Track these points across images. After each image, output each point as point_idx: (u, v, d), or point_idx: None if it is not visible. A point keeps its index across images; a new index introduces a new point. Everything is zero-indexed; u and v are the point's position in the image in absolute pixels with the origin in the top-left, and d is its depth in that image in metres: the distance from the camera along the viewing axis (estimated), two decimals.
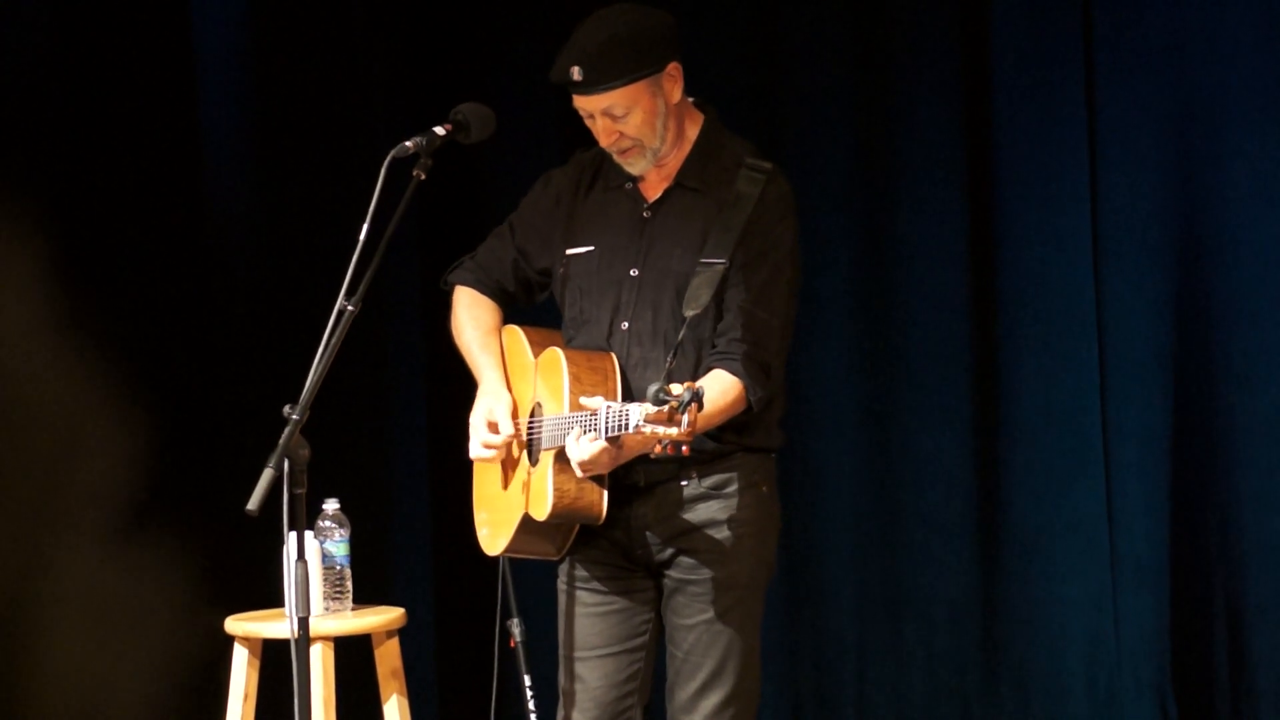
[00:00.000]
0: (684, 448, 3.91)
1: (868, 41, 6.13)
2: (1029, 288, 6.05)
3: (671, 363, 4.17)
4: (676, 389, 3.88)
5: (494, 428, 4.31)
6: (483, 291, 4.48)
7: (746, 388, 4.18)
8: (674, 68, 4.24)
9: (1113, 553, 6.00)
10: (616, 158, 4.30)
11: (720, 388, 4.13)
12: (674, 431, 3.87)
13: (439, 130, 4.24)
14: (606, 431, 4.03)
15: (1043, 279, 6.03)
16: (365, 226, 4.07)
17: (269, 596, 5.26)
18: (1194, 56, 5.89)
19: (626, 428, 3.98)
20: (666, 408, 3.86)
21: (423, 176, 4.18)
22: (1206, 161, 5.90)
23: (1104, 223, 5.99)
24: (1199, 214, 5.92)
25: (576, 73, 4.17)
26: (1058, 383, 6.03)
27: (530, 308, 4.55)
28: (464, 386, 4.55)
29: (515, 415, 4.34)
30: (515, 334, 4.44)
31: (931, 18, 6.08)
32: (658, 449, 3.93)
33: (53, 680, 5.80)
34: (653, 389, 3.87)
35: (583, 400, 4.10)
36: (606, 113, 4.22)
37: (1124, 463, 5.99)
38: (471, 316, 4.46)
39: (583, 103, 4.24)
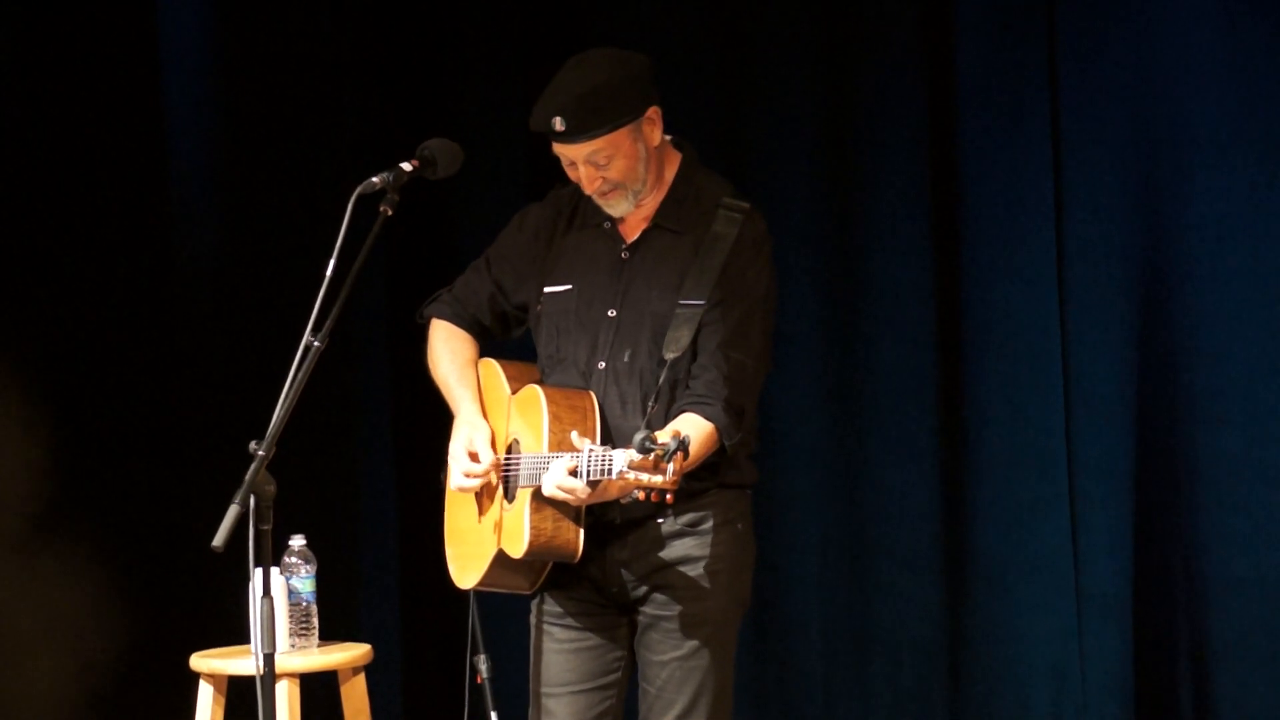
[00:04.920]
0: (668, 495, 3.93)
1: (834, 77, 6.15)
2: (994, 324, 6.05)
3: (653, 407, 4.19)
4: (662, 437, 3.89)
5: (475, 457, 4.31)
6: (459, 325, 4.48)
7: (721, 432, 4.18)
8: (654, 111, 4.26)
9: (1077, 588, 5.99)
10: (598, 199, 4.30)
11: (696, 433, 4.12)
12: (658, 480, 3.89)
13: (406, 166, 4.26)
14: (588, 475, 4.03)
15: (1008, 315, 6.04)
16: (332, 262, 4.08)
17: (234, 633, 5.23)
18: (1159, 91, 5.91)
19: (609, 473, 3.98)
20: (651, 455, 3.87)
21: (389, 212, 4.19)
22: (1171, 196, 5.91)
23: (1069, 258, 5.99)
24: (1164, 249, 5.93)
25: (559, 123, 4.18)
26: (1023, 418, 6.03)
27: (507, 342, 4.54)
28: (432, 422, 4.56)
29: (493, 448, 4.33)
30: (492, 368, 4.44)
31: (897, 54, 6.09)
32: (640, 495, 3.94)
33: None
34: (639, 436, 3.88)
35: (573, 438, 4.09)
36: (589, 160, 4.23)
37: (1089, 499, 5.99)
38: (448, 349, 4.46)
39: (565, 151, 4.25)
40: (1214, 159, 5.85)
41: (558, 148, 4.26)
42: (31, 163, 5.96)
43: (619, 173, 4.24)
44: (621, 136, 4.22)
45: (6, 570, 5.84)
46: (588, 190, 4.28)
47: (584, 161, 4.24)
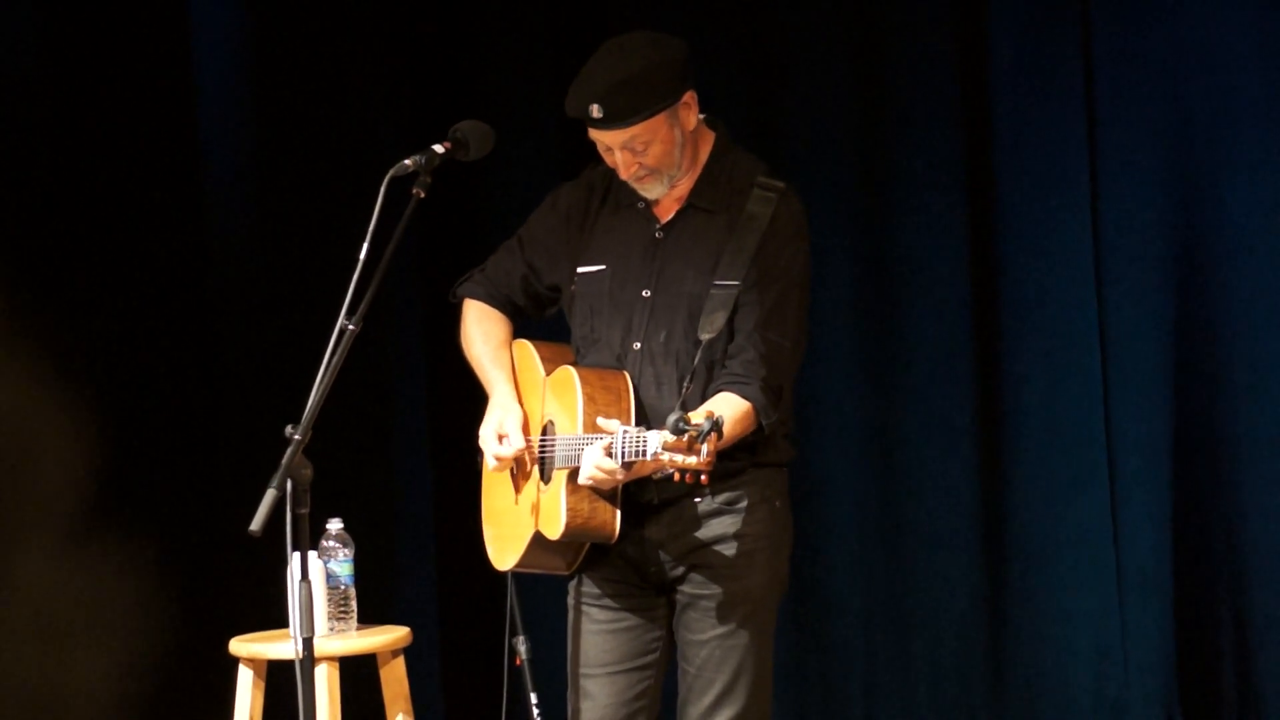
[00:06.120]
0: (703, 476, 3.92)
1: (867, 55, 6.13)
2: (1031, 301, 6.04)
3: (688, 388, 4.18)
4: (696, 418, 3.89)
5: (504, 440, 4.31)
6: (492, 305, 4.48)
7: (759, 411, 4.18)
8: (690, 96, 4.25)
9: (1118, 565, 5.98)
10: (632, 184, 4.29)
11: (733, 412, 4.12)
12: (693, 460, 3.88)
13: (438, 148, 4.24)
14: (623, 457, 4.03)
15: (1045, 292, 6.02)
16: (365, 245, 4.07)
17: (273, 617, 5.24)
18: (1194, 69, 5.88)
19: (644, 454, 3.98)
20: (685, 437, 3.86)
21: (422, 195, 4.19)
22: (1207, 173, 5.89)
23: (1105, 235, 5.97)
24: (1200, 225, 5.91)
25: (596, 109, 4.16)
26: (1061, 395, 6.01)
27: (540, 321, 4.54)
28: (468, 404, 4.54)
29: (526, 430, 4.33)
30: (526, 348, 4.43)
31: (931, 34, 6.07)
32: (675, 476, 3.94)
33: (2, 689, 5.80)
34: (672, 418, 3.87)
35: (600, 422, 4.09)
36: (627, 146, 4.22)
37: (1128, 475, 5.97)
38: (482, 330, 4.46)
39: (602, 137, 4.24)
40: (1251, 134, 5.83)
41: (594, 133, 4.25)
42: (63, 160, 5.94)
43: (656, 159, 4.23)
44: (659, 122, 4.21)
45: (51, 557, 5.84)
46: (624, 176, 4.27)
47: (621, 148, 4.23)
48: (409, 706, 5.18)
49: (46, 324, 5.88)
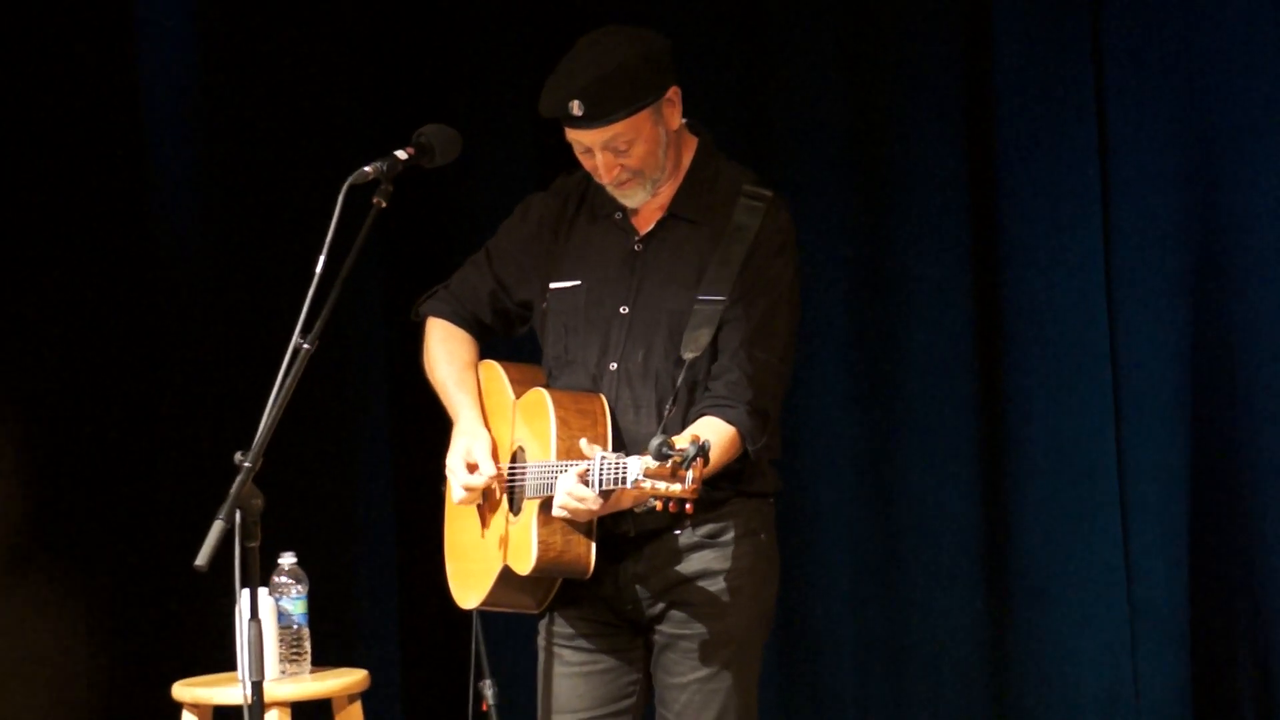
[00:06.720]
0: (687, 505, 3.82)
1: (866, 57, 6.09)
2: (1038, 318, 5.98)
3: (670, 411, 4.10)
4: (680, 442, 3.79)
5: (474, 469, 4.20)
6: (457, 323, 4.40)
7: (744, 437, 4.08)
8: (673, 92, 4.19)
9: (1130, 601, 5.92)
10: (612, 190, 4.20)
11: (718, 438, 4.01)
12: (677, 488, 3.79)
13: (400, 154, 4.21)
14: (600, 485, 3.93)
15: (1052, 308, 5.95)
16: (322, 258, 4.01)
17: (220, 659, 5.17)
18: (1209, 73, 5.82)
19: (623, 482, 3.88)
20: (669, 462, 3.77)
21: (383, 204, 4.13)
22: (1225, 181, 5.82)
23: (1116, 248, 5.91)
24: (1216, 237, 5.84)
25: (576, 107, 4.08)
26: (1069, 419, 5.94)
27: (509, 341, 4.45)
28: (432, 429, 4.50)
29: (495, 457, 4.23)
30: (494, 370, 4.33)
31: (932, 34, 6.03)
32: (658, 505, 3.83)
33: None
34: (655, 442, 3.78)
35: (582, 445, 3.99)
36: (608, 146, 4.13)
37: (1141, 504, 5.91)
38: (446, 350, 4.36)
39: (581, 137, 4.15)
40: (1270, 140, 5.74)
41: (572, 134, 4.16)
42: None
43: (638, 159, 4.14)
44: (643, 119, 4.12)
45: None
46: (605, 179, 4.17)
47: (601, 148, 4.13)
48: None
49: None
